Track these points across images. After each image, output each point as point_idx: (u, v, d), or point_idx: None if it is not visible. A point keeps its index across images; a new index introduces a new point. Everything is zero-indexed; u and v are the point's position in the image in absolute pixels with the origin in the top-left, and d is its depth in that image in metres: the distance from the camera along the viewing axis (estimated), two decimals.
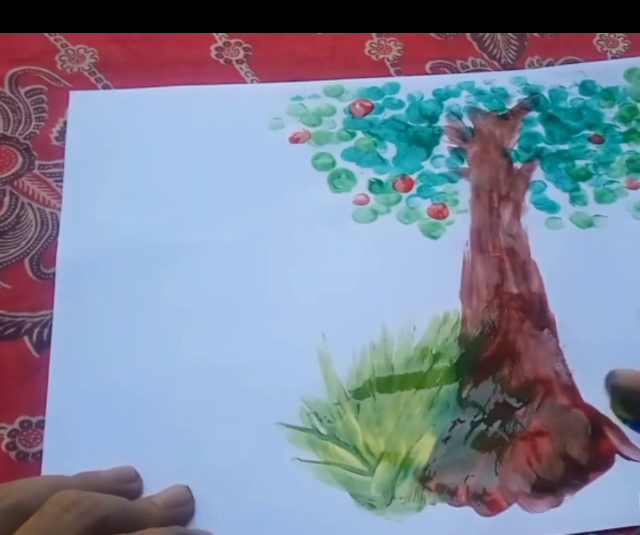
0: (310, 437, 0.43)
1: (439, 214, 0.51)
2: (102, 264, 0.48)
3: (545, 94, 0.56)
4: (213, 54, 0.57)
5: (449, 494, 0.42)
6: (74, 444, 0.42)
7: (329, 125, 0.54)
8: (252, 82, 0.56)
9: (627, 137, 0.54)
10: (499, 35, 0.59)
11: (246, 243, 0.49)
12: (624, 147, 0.54)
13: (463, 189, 0.52)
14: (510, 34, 0.59)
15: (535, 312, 0.48)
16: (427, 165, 0.53)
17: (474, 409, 0.45)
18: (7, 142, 0.52)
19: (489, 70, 0.57)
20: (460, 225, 0.51)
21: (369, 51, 0.58)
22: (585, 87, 0.56)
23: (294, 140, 0.53)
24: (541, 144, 0.54)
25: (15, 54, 0.55)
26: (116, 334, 0.46)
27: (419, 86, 0.56)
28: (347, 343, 0.46)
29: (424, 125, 0.54)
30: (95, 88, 0.54)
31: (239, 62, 0.56)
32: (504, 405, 0.45)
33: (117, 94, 0.54)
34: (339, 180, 0.52)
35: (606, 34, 0.59)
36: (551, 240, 0.50)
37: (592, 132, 0.54)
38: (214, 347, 0.46)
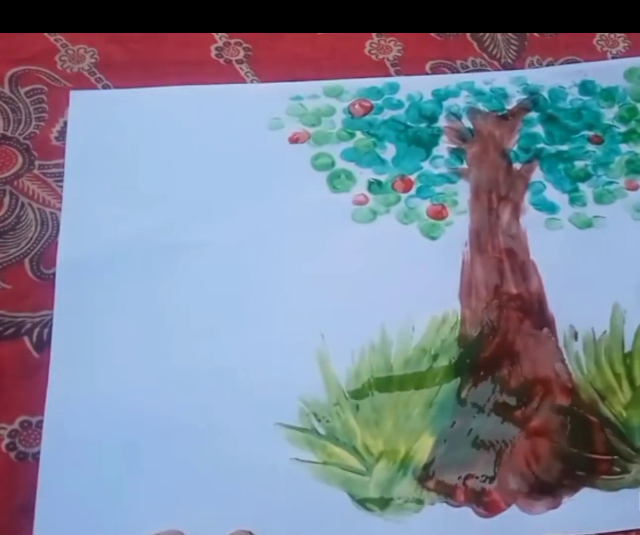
0: (309, 437, 0.43)
1: (438, 214, 0.51)
2: (102, 264, 0.48)
3: (545, 94, 0.56)
4: (213, 54, 0.57)
5: (448, 494, 0.42)
6: (72, 444, 0.42)
7: (328, 126, 0.54)
8: (252, 82, 0.56)
9: (627, 137, 0.54)
10: (499, 35, 0.59)
11: (245, 243, 0.49)
12: (624, 147, 0.54)
13: (462, 190, 0.52)
14: (510, 34, 0.59)
15: (534, 312, 0.48)
16: (426, 165, 0.53)
17: (473, 409, 0.45)
18: (7, 142, 0.52)
19: (489, 70, 0.57)
20: (459, 225, 0.51)
21: (369, 51, 0.58)
22: (585, 87, 0.56)
23: (294, 140, 0.53)
24: (540, 145, 0.54)
25: (15, 54, 0.55)
26: (116, 334, 0.46)
27: (419, 86, 0.56)
28: (346, 343, 0.46)
29: (423, 125, 0.54)
30: (95, 88, 0.54)
31: (239, 62, 0.56)
32: (503, 405, 0.45)
33: (117, 94, 0.54)
34: (338, 180, 0.52)
35: (606, 34, 0.59)
36: (550, 241, 0.50)
37: (591, 133, 0.54)
38: (213, 347, 0.46)
